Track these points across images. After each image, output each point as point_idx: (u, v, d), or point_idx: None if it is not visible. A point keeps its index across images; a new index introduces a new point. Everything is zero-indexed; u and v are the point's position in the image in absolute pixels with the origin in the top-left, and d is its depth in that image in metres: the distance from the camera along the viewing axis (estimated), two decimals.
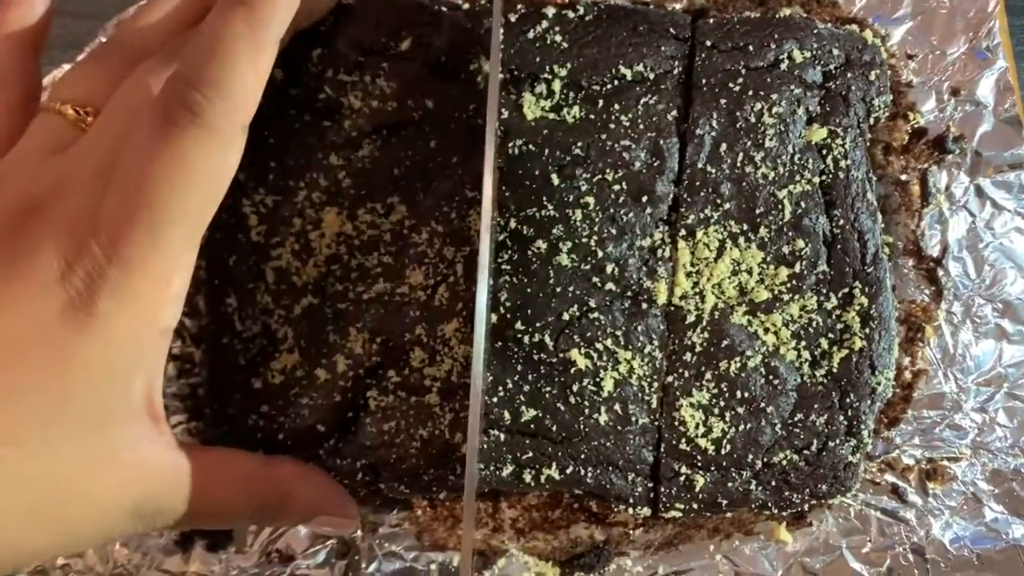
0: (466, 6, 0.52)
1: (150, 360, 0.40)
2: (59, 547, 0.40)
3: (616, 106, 0.50)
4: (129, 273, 0.37)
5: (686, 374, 0.50)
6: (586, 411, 0.49)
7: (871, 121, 0.52)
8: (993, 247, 0.54)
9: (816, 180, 0.51)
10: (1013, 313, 0.54)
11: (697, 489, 0.50)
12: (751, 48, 0.51)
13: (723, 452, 0.50)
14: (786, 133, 0.51)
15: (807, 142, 0.51)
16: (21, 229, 0.38)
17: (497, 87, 0.47)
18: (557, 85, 0.50)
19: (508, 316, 0.49)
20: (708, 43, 0.51)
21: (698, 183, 0.50)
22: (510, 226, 0.50)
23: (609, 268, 0.49)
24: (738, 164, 0.50)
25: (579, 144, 0.50)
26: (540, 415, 0.49)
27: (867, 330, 0.50)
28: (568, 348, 0.49)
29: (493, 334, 0.49)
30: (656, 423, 0.50)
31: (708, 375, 0.50)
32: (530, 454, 0.49)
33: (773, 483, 0.50)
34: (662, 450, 0.50)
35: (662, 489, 0.50)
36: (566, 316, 0.49)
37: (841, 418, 0.50)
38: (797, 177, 0.50)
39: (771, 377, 0.50)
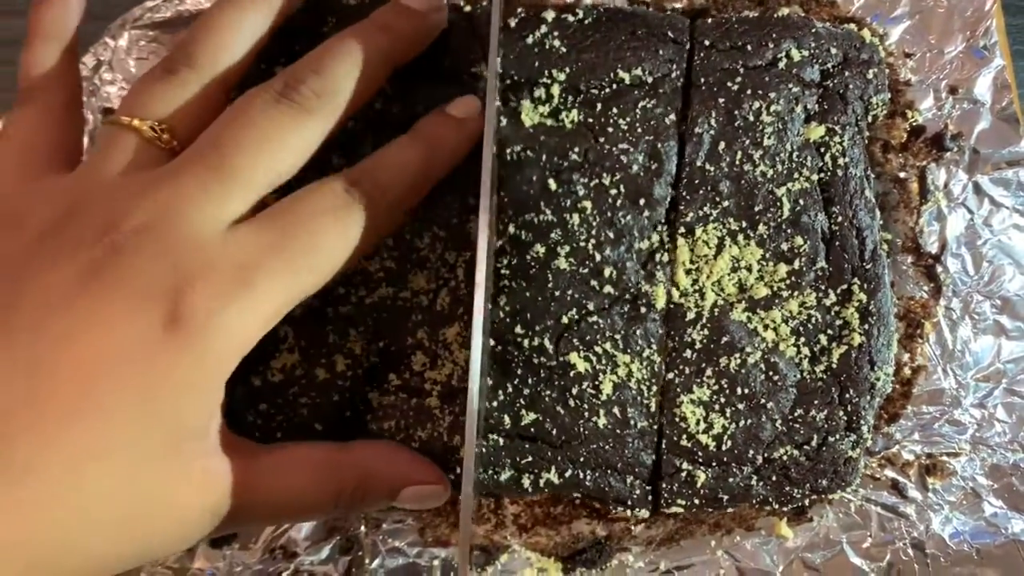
0: (467, 8, 0.53)
1: (228, 374, 0.41)
2: (141, 556, 0.40)
3: (614, 110, 0.50)
4: (241, 304, 0.39)
5: (686, 371, 0.50)
6: (585, 414, 0.49)
7: (869, 119, 0.53)
8: (991, 244, 0.54)
9: (814, 178, 0.51)
10: (1011, 309, 0.54)
11: (698, 485, 0.50)
12: (749, 47, 0.51)
13: (724, 448, 0.50)
14: (784, 131, 0.51)
15: (805, 140, 0.51)
16: (120, 248, 0.39)
17: (495, 92, 0.47)
18: (556, 89, 0.50)
19: (507, 320, 0.50)
20: (706, 42, 0.52)
21: (697, 181, 0.51)
22: (509, 231, 0.50)
23: (607, 271, 0.50)
24: (737, 162, 0.51)
25: (576, 149, 0.50)
26: (540, 419, 0.49)
27: (866, 326, 0.50)
28: (568, 352, 0.49)
29: (492, 338, 0.50)
30: (655, 426, 0.50)
31: (708, 371, 0.50)
32: (529, 458, 0.49)
33: (774, 478, 0.50)
34: (663, 447, 0.50)
35: (663, 485, 0.50)
36: (565, 320, 0.50)
37: (841, 413, 0.50)
38: (795, 175, 0.51)
39: (771, 373, 0.50)
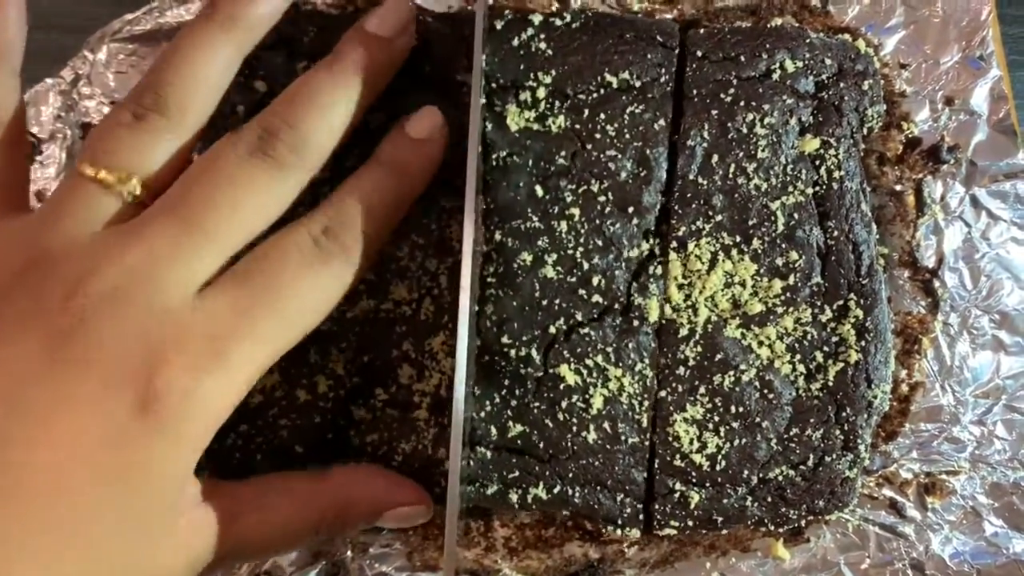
0: (453, 9, 0.52)
1: (207, 444, 0.40)
2: None
3: (602, 115, 0.49)
4: (215, 379, 0.38)
5: (679, 388, 0.49)
6: (574, 428, 0.48)
7: (864, 131, 0.52)
8: (989, 257, 0.53)
9: (809, 191, 0.50)
10: (1010, 324, 0.53)
11: (692, 506, 0.49)
12: (742, 58, 0.50)
13: (718, 468, 0.49)
14: (778, 144, 0.50)
15: (800, 153, 0.50)
16: (87, 317, 0.37)
17: (479, 96, 0.46)
18: (542, 93, 0.49)
19: (494, 330, 0.48)
20: (699, 53, 0.51)
21: (689, 195, 0.50)
22: (495, 238, 0.49)
23: (595, 280, 0.49)
24: (730, 175, 0.50)
25: (563, 154, 0.49)
26: (527, 431, 0.48)
27: (863, 343, 0.49)
28: (558, 363, 0.48)
29: (479, 348, 0.49)
30: (646, 443, 0.49)
31: (702, 389, 0.49)
32: (516, 473, 0.48)
33: (769, 499, 0.49)
34: (656, 466, 0.49)
35: (656, 506, 0.49)
36: (552, 329, 0.49)
37: (837, 432, 0.49)
38: (790, 188, 0.50)
39: (766, 391, 0.49)
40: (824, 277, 0.50)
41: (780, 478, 0.49)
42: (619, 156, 0.49)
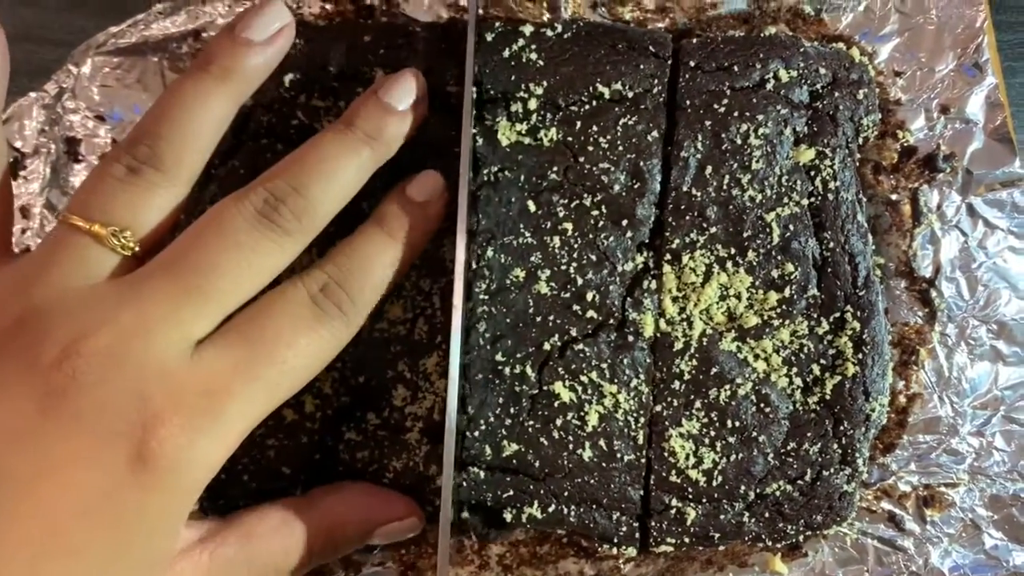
0: (443, 21, 0.51)
1: (198, 496, 0.40)
2: None
3: (594, 127, 0.49)
4: (209, 436, 0.38)
5: (675, 403, 0.49)
6: (570, 446, 0.47)
7: (860, 141, 0.51)
8: (987, 267, 0.53)
9: (805, 202, 0.49)
10: (1008, 334, 0.53)
11: (688, 522, 0.48)
12: (736, 68, 0.50)
13: (714, 483, 0.48)
14: (773, 154, 0.49)
15: (795, 163, 0.50)
16: (80, 376, 0.37)
17: (471, 111, 0.45)
18: (533, 104, 0.49)
19: (487, 347, 0.48)
20: (692, 63, 0.50)
21: (683, 206, 0.49)
22: (486, 255, 0.48)
23: (589, 295, 0.48)
24: (724, 187, 0.49)
25: (556, 168, 0.49)
26: (522, 450, 0.47)
27: (860, 355, 0.49)
28: (552, 380, 0.48)
29: (472, 366, 0.48)
30: (642, 460, 0.48)
31: (697, 404, 0.48)
32: (511, 492, 0.47)
33: (766, 515, 0.49)
34: (651, 482, 0.48)
35: (652, 523, 0.48)
36: (547, 346, 0.48)
37: (835, 446, 0.49)
38: (785, 199, 0.49)
39: (762, 405, 0.48)
40: (820, 289, 0.49)
41: (777, 493, 0.49)
42: (612, 169, 0.49)
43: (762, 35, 0.52)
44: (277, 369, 0.40)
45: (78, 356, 0.37)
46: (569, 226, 0.48)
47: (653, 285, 0.49)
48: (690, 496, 0.48)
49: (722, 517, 0.48)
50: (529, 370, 0.48)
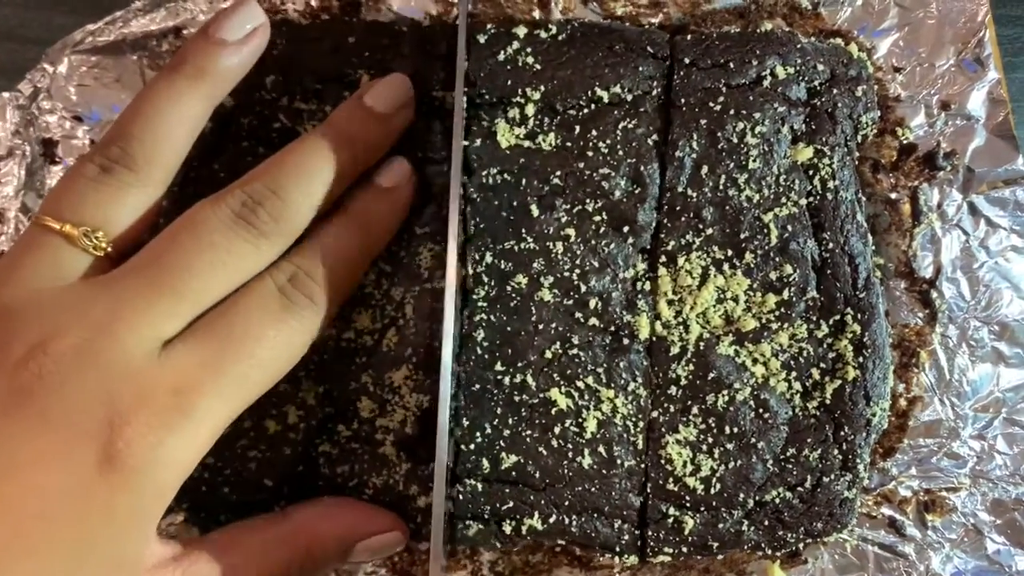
0: (427, 22, 0.50)
1: (169, 501, 0.39)
2: None
3: (593, 131, 0.48)
4: (179, 435, 0.37)
5: (671, 409, 0.48)
6: (569, 454, 0.46)
7: (859, 138, 0.50)
8: (988, 267, 0.52)
9: (803, 202, 0.48)
10: (1010, 335, 0.52)
11: (686, 531, 0.47)
12: (732, 65, 0.49)
13: (712, 491, 0.47)
14: (770, 153, 0.48)
15: (793, 162, 0.48)
16: (48, 374, 0.36)
17: (462, 114, 0.44)
18: (531, 109, 0.48)
19: (485, 357, 0.47)
20: (687, 60, 0.49)
21: (678, 207, 0.48)
22: (486, 260, 0.47)
23: (592, 303, 0.47)
24: (720, 187, 0.48)
25: (557, 173, 0.48)
26: (521, 460, 0.46)
27: (860, 359, 0.48)
28: (548, 387, 0.46)
29: (470, 376, 0.47)
30: (642, 465, 0.47)
31: (695, 410, 0.47)
32: (511, 504, 0.46)
33: (766, 522, 0.48)
34: (648, 491, 0.47)
35: (649, 532, 0.47)
36: (548, 354, 0.47)
37: (835, 452, 0.48)
38: (783, 199, 0.48)
39: (761, 410, 0.47)
40: (820, 291, 0.48)
41: (777, 500, 0.48)
42: (612, 174, 0.48)
43: (758, 31, 0.51)
44: (246, 363, 0.39)
45: (45, 355, 0.36)
46: (571, 232, 0.47)
47: (648, 287, 0.48)
48: (688, 504, 0.47)
49: (721, 526, 0.48)
50: (530, 379, 0.47)
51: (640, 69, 0.48)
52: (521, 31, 0.49)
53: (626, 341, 0.47)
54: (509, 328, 0.47)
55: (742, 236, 0.48)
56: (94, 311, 0.38)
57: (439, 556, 0.42)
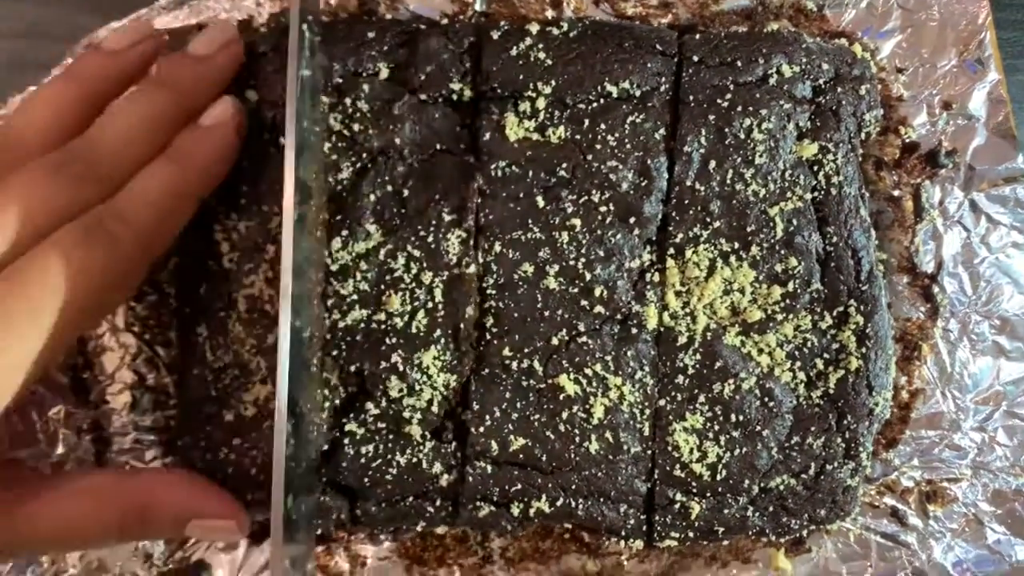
0: (444, 21, 0.51)
1: None
2: None
3: (602, 125, 0.49)
4: None
5: (678, 397, 0.49)
6: (576, 439, 0.47)
7: (862, 136, 0.51)
8: (989, 262, 0.53)
9: (808, 197, 0.49)
10: (1011, 329, 0.53)
11: (692, 517, 0.48)
12: (739, 63, 0.50)
13: (718, 477, 0.48)
14: (776, 149, 0.49)
15: (798, 158, 0.50)
16: None
17: (294, 102, 0.45)
18: (541, 103, 0.49)
19: (494, 342, 0.48)
20: (695, 58, 0.50)
21: (687, 201, 0.49)
22: (495, 249, 0.48)
23: (598, 291, 0.48)
24: (728, 181, 0.49)
25: (564, 165, 0.49)
26: (529, 444, 0.47)
27: (863, 349, 0.49)
28: (556, 373, 0.48)
29: (479, 360, 0.48)
30: (649, 451, 0.48)
31: (701, 398, 0.49)
32: (519, 486, 0.48)
33: (770, 509, 0.49)
34: (656, 477, 0.48)
35: (656, 518, 0.48)
36: (555, 340, 0.48)
37: (839, 440, 0.49)
38: (788, 194, 0.49)
39: (766, 399, 0.48)
40: (824, 283, 0.49)
41: (781, 487, 0.49)
42: (620, 167, 0.49)
43: (765, 31, 0.52)
44: (40, 294, 0.40)
45: None
46: (577, 222, 0.48)
47: (656, 278, 0.49)
48: (694, 490, 0.48)
49: (726, 511, 0.49)
50: (537, 364, 0.48)
51: (649, 66, 0.50)
52: (534, 28, 0.50)
53: (634, 331, 0.48)
54: (516, 315, 0.48)
55: (748, 229, 0.49)
56: None
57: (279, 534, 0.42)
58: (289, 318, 0.42)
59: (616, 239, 0.49)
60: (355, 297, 0.48)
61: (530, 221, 0.48)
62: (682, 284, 0.49)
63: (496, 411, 0.48)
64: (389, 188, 0.49)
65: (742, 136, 0.49)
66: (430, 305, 0.48)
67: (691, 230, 0.49)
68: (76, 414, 0.52)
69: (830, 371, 0.49)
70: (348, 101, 0.49)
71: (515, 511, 0.48)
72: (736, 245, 0.49)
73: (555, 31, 0.50)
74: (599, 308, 0.48)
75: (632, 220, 0.49)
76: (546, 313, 0.48)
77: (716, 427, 0.48)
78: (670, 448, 0.48)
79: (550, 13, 0.53)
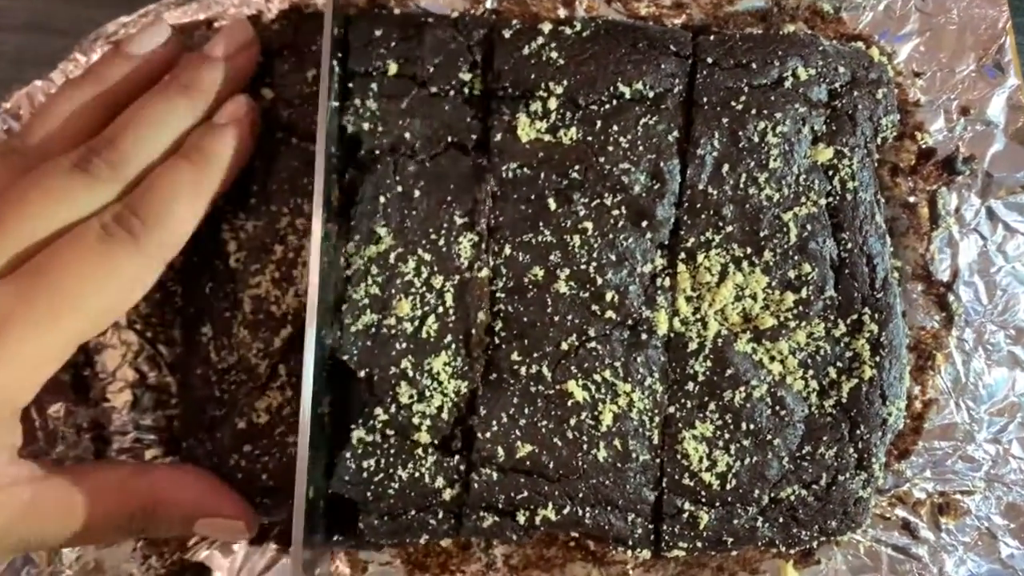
0: (455, 14, 0.51)
1: (11, 422, 0.42)
2: None
3: (615, 127, 0.48)
4: (7, 348, 0.40)
5: (688, 405, 0.48)
6: (584, 446, 0.47)
7: (878, 141, 0.51)
8: (1005, 271, 0.52)
9: (823, 202, 0.49)
10: None
11: (701, 526, 0.47)
12: (754, 65, 0.49)
13: (728, 487, 0.47)
14: (791, 153, 0.49)
15: (813, 162, 0.49)
16: None
17: (328, 99, 0.46)
18: (553, 103, 0.48)
19: (504, 347, 0.47)
20: (709, 60, 0.49)
21: (699, 205, 0.48)
22: (505, 252, 0.48)
23: (609, 296, 0.47)
24: (741, 185, 0.48)
25: (576, 167, 0.48)
26: (536, 451, 0.47)
27: (877, 358, 0.48)
28: (565, 379, 0.47)
29: (488, 365, 0.47)
30: (657, 459, 0.48)
31: (712, 406, 0.48)
32: (525, 493, 0.47)
33: (780, 519, 0.48)
34: (664, 485, 0.48)
35: (664, 527, 0.48)
36: (564, 346, 0.47)
37: (851, 451, 0.48)
38: (803, 199, 0.49)
39: (778, 408, 0.48)
40: (838, 290, 0.48)
41: (792, 498, 0.48)
42: (632, 169, 0.48)
43: (781, 33, 0.51)
44: (57, 293, 0.41)
45: None
46: (589, 225, 0.48)
47: (667, 283, 0.48)
48: (703, 500, 0.48)
49: (735, 521, 0.48)
50: (545, 370, 0.47)
51: (663, 67, 0.49)
52: (546, 27, 0.49)
53: (644, 336, 0.48)
54: (525, 319, 0.47)
55: (762, 234, 0.48)
56: None
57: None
58: (315, 326, 0.44)
59: (628, 243, 0.48)
60: (366, 301, 0.47)
61: (541, 224, 0.48)
62: (693, 289, 0.48)
63: (503, 417, 0.47)
64: (399, 189, 0.48)
65: (756, 139, 0.49)
66: (440, 310, 0.47)
67: (703, 234, 0.48)
68: (76, 412, 0.51)
69: (843, 380, 0.48)
70: (358, 101, 0.48)
71: (521, 519, 0.47)
72: (749, 250, 0.48)
73: (568, 30, 0.49)
74: (610, 313, 0.47)
75: (644, 224, 0.48)
76: (556, 318, 0.47)
77: (726, 435, 0.48)
78: (679, 456, 0.48)
79: (562, 12, 0.53)
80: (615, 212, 0.48)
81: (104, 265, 0.42)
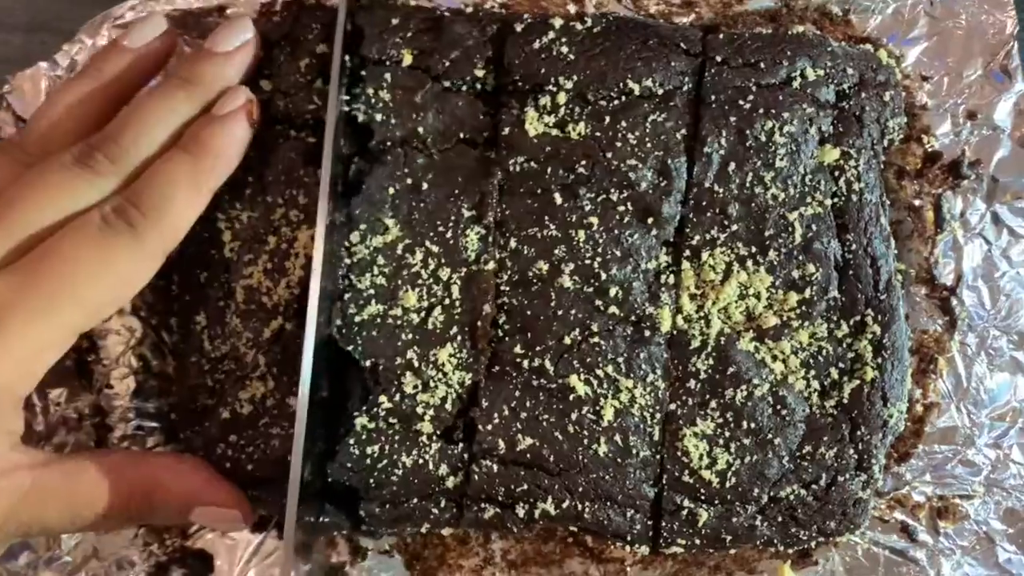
0: (469, 10, 0.51)
1: (12, 410, 0.42)
2: None
3: (623, 123, 0.48)
4: (7, 337, 0.40)
5: (690, 402, 0.48)
6: (585, 441, 0.47)
7: (885, 143, 0.51)
8: (1010, 276, 0.52)
9: (828, 202, 0.49)
10: None
11: (700, 524, 0.47)
12: (762, 65, 0.49)
13: (728, 485, 0.47)
14: (797, 153, 0.49)
15: (819, 163, 0.49)
16: None
17: (337, 93, 0.46)
18: (562, 98, 0.48)
19: (507, 339, 0.47)
20: (718, 59, 0.49)
21: (704, 203, 0.48)
22: (510, 245, 0.48)
23: (613, 291, 0.47)
24: (747, 184, 0.49)
25: (584, 163, 0.48)
26: (537, 444, 0.47)
27: (879, 360, 0.48)
28: (567, 374, 0.47)
29: (491, 357, 0.47)
30: (658, 456, 0.48)
31: (713, 404, 0.48)
32: (525, 486, 0.47)
33: (779, 519, 0.48)
34: (664, 482, 0.48)
35: (663, 523, 0.48)
36: (567, 340, 0.47)
37: (851, 452, 0.48)
38: (808, 199, 0.49)
39: (779, 407, 0.48)
40: (841, 291, 0.48)
41: (791, 497, 0.48)
42: (640, 166, 0.48)
43: (790, 33, 0.51)
44: (57, 283, 0.41)
45: None
46: (595, 221, 0.48)
47: (671, 280, 0.48)
48: (703, 497, 0.48)
49: (734, 520, 0.48)
50: (548, 364, 0.47)
51: (672, 64, 0.49)
52: (557, 22, 0.49)
53: (647, 333, 0.48)
54: (529, 312, 0.47)
55: (767, 234, 0.48)
56: None
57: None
58: (315, 316, 0.44)
59: (633, 239, 0.48)
60: (372, 291, 0.47)
61: (547, 218, 0.48)
62: (697, 287, 0.48)
63: (505, 409, 0.47)
64: (408, 181, 0.48)
65: (763, 139, 0.49)
66: (447, 302, 0.48)
67: (708, 233, 0.48)
68: (78, 398, 0.51)
69: (845, 381, 0.48)
70: (371, 91, 0.48)
71: (520, 512, 0.47)
72: (753, 249, 0.48)
73: (578, 26, 0.49)
74: (613, 309, 0.47)
75: (650, 220, 0.48)
76: (559, 312, 0.47)
77: (727, 433, 0.48)
78: (679, 453, 0.48)
79: (572, 8, 0.53)
80: (621, 208, 0.48)
81: (104, 256, 0.42)
